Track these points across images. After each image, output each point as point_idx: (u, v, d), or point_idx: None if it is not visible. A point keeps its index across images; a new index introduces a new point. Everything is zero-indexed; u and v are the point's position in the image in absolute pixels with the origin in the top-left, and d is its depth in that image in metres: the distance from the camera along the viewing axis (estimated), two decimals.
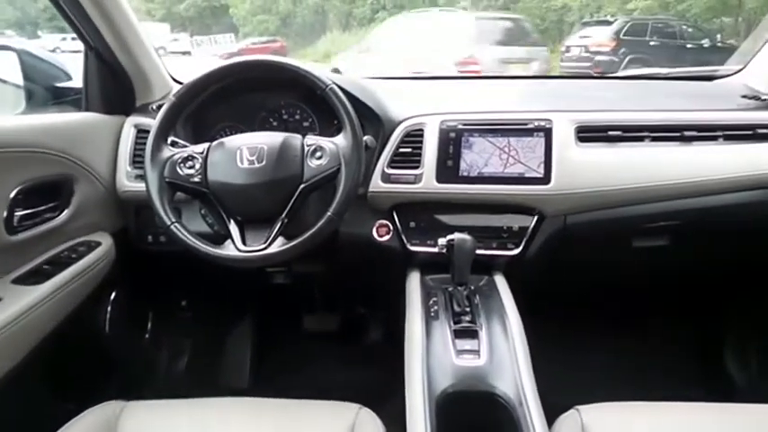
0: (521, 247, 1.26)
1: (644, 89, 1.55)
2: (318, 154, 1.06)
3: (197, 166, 1.07)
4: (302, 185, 1.05)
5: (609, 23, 10.43)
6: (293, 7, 18.62)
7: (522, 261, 1.27)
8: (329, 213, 1.03)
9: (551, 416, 0.96)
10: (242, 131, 1.18)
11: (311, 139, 1.09)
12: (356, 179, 1.06)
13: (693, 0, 12.07)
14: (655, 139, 1.26)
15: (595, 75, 6.20)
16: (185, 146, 1.12)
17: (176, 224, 1.05)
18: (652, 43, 9.92)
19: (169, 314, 1.73)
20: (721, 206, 1.26)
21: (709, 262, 1.48)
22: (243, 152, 1.05)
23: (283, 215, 1.04)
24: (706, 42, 10.13)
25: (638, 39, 9.87)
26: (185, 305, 1.77)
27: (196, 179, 1.06)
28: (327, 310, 1.89)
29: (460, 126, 1.25)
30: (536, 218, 1.26)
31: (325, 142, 1.07)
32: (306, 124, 1.36)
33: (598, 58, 9.52)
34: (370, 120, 1.26)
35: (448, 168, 1.24)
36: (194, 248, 1.04)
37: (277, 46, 15.77)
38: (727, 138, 1.26)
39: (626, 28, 9.93)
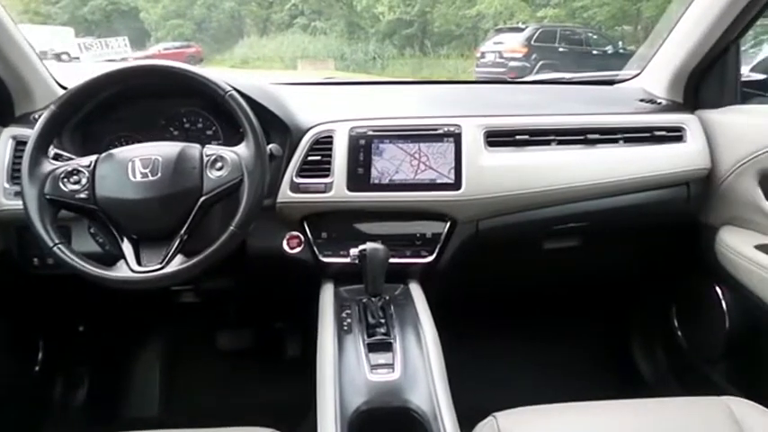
0: (434, 254, 1.25)
1: (550, 94, 1.59)
2: (219, 164, 1.00)
3: (83, 180, 0.98)
4: (202, 198, 0.98)
5: (521, 30, 10.86)
6: (208, 12, 18.04)
7: (437, 268, 1.26)
8: (232, 227, 0.97)
9: (469, 424, 0.95)
10: (139, 142, 1.09)
11: (211, 149, 1.02)
12: (260, 190, 1.00)
13: (597, 9, 12.82)
14: (560, 142, 1.28)
15: (503, 80, 6.42)
16: (71, 159, 1.02)
17: (59, 246, 0.95)
18: (561, 49, 10.43)
19: (64, 342, 1.58)
20: (625, 207, 1.31)
21: (617, 260, 1.54)
22: (135, 164, 0.97)
23: (182, 231, 0.97)
24: (609, 49, 10.76)
25: (548, 45, 10.34)
26: (83, 330, 1.63)
27: (82, 195, 0.97)
28: (241, 326, 1.80)
29: (370, 132, 1.22)
30: (448, 224, 1.25)
31: (227, 152, 1.01)
32: (209, 133, 1.28)
33: (511, 63, 9.87)
34: (276, 127, 1.21)
35: (359, 176, 1.21)
36: (82, 271, 0.95)
37: (192, 51, 15.21)
38: (627, 140, 1.30)
39: (536, 35, 10.37)
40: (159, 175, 0.96)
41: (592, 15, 12.83)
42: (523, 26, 11.28)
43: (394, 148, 1.22)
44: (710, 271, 1.35)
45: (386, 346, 1.03)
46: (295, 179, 1.21)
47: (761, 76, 1.40)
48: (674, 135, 1.32)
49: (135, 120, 1.23)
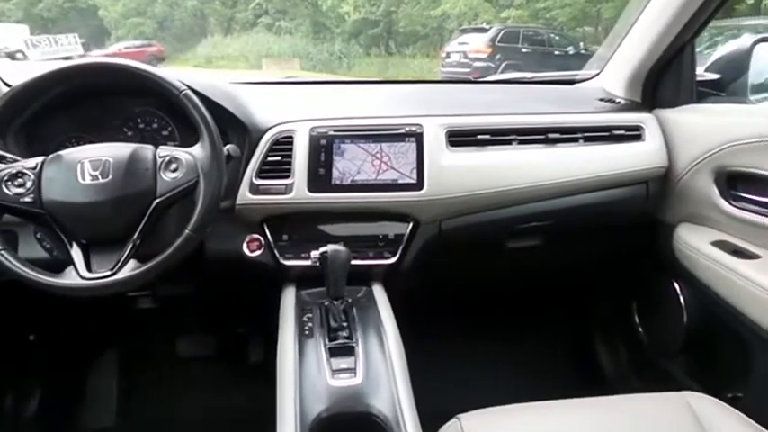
0: (397, 255, 1.24)
1: (511, 93, 1.59)
2: (173, 166, 0.96)
3: (28, 184, 0.93)
4: (156, 201, 0.94)
5: (485, 31, 10.99)
6: (170, 10, 17.71)
7: (400, 269, 1.24)
8: (187, 231, 0.94)
9: (434, 427, 0.93)
10: (91, 143, 1.04)
11: (165, 150, 0.98)
12: (217, 192, 0.97)
13: (559, 10, 13.08)
14: (522, 141, 1.28)
15: (465, 79, 6.47)
16: (15, 161, 0.97)
17: (2, 252, 0.90)
18: (524, 50, 10.59)
19: (12, 352, 1.51)
20: (586, 205, 1.32)
21: (579, 259, 1.55)
22: (84, 166, 0.92)
23: (135, 236, 0.93)
24: (571, 50, 10.99)
25: (511, 46, 10.48)
26: (34, 339, 1.56)
27: (27, 199, 0.92)
28: (202, 332, 1.76)
29: (331, 132, 1.20)
30: (411, 224, 1.24)
31: (181, 153, 0.97)
32: (165, 133, 1.24)
33: (476, 64, 9.97)
34: (234, 127, 1.17)
35: (320, 177, 1.19)
36: (27, 279, 0.90)
37: (154, 50, 14.89)
38: (587, 139, 1.31)
39: (500, 35, 10.51)
40: (110, 177, 0.92)
41: (554, 16, 13.09)
42: (488, 27, 11.42)
43: (355, 148, 1.20)
44: (669, 267, 1.37)
45: (348, 351, 1.01)
46: (254, 180, 1.18)
47: (715, 76, 1.42)
48: (633, 134, 1.34)
49: (86, 120, 1.18)
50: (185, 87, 0.98)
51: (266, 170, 1.18)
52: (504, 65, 9.82)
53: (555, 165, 1.28)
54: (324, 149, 1.19)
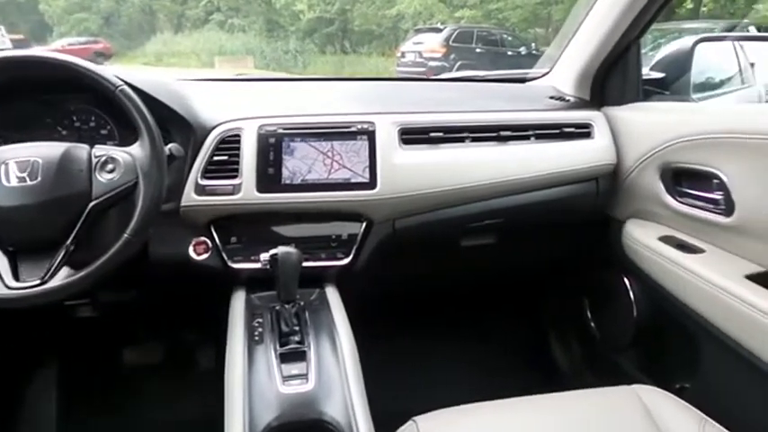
0: (351, 256, 1.21)
1: (464, 91, 1.59)
2: (110, 166, 0.91)
3: None
4: (91, 204, 0.89)
5: (439, 31, 11.08)
6: (116, 5, 17.11)
7: (354, 270, 1.22)
8: (126, 235, 0.89)
9: (389, 430, 0.92)
10: (21, 142, 0.97)
11: (101, 150, 0.93)
12: (157, 193, 0.92)
13: (511, 11, 13.34)
14: (474, 139, 1.28)
15: (418, 77, 6.49)
16: None
17: None
18: (478, 50, 10.74)
19: None
20: (538, 203, 1.33)
21: (532, 256, 1.57)
22: (9, 167, 0.86)
23: (68, 241, 0.87)
24: (523, 50, 11.21)
25: (465, 46, 10.61)
26: None
27: None
28: (149, 340, 1.69)
29: (280, 131, 1.17)
30: (364, 224, 1.22)
31: (119, 153, 0.92)
32: (104, 132, 1.17)
33: (431, 63, 10.05)
34: (178, 125, 1.12)
35: (269, 176, 1.15)
36: None
37: (99, 47, 14.35)
38: (538, 137, 1.32)
39: (454, 35, 10.62)
40: (39, 179, 0.86)
41: (506, 17, 13.34)
42: (442, 27, 11.53)
43: (306, 146, 1.17)
44: (619, 263, 1.39)
45: (299, 356, 0.98)
46: (200, 181, 1.13)
47: (660, 75, 1.46)
48: (582, 131, 1.35)
49: (14, 118, 1.10)
50: (122, 83, 0.93)
51: (212, 170, 1.14)
52: (458, 64, 9.92)
53: (507, 162, 1.28)
54: (273, 148, 1.16)
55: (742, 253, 1.12)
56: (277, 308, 1.08)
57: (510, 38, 11.93)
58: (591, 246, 1.52)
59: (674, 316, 1.21)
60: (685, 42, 1.43)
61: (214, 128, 1.16)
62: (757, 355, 0.98)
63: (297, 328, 1.04)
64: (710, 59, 1.58)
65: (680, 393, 1.17)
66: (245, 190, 1.14)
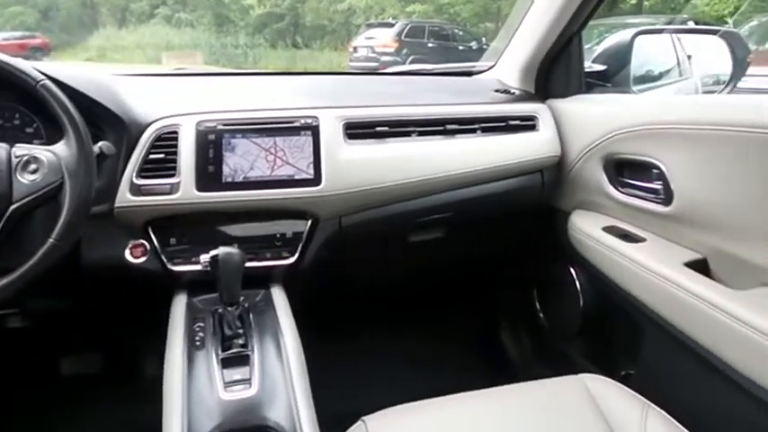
0: (297, 255, 1.18)
1: (410, 85, 1.58)
2: (33, 167, 0.85)
3: None
4: (12, 207, 0.83)
5: (391, 26, 11.10)
6: None
7: (300, 269, 1.19)
8: (51, 239, 0.84)
9: (340, 431, 0.90)
10: None
11: (22, 149, 0.87)
12: (85, 194, 0.87)
13: (462, 6, 13.48)
14: (421, 133, 1.27)
15: (363, 71, 6.48)
16: None
17: None
18: (430, 45, 10.80)
19: None
20: (485, 196, 1.33)
21: (481, 249, 1.57)
22: None
23: None
24: (474, 45, 11.34)
25: (417, 40, 10.66)
26: None
27: None
28: (89, 349, 1.61)
29: (220, 126, 1.12)
30: (310, 222, 1.19)
31: (42, 152, 0.87)
32: (29, 131, 1.10)
33: (384, 58, 10.05)
34: (109, 122, 1.06)
35: (209, 174, 1.10)
36: None
37: (37, 42, 13.66)
38: (484, 130, 1.32)
39: (406, 30, 10.66)
40: None
41: (457, 12, 13.47)
42: (394, 21, 11.55)
43: (247, 142, 1.13)
44: (565, 254, 1.41)
45: (242, 360, 0.94)
46: (135, 180, 1.08)
47: (601, 68, 1.48)
48: (528, 124, 1.36)
49: None
50: (43, 77, 0.87)
51: (149, 169, 1.09)
52: (411, 59, 9.96)
53: (454, 156, 1.28)
54: (213, 145, 1.11)
55: (681, 241, 1.15)
56: (220, 311, 1.04)
57: (461, 33, 12.06)
58: (538, 237, 1.54)
59: (619, 304, 1.23)
60: (625, 35, 1.46)
61: (150, 124, 1.10)
62: (695, 340, 1.01)
63: (240, 332, 1.00)
64: (650, 52, 1.62)
65: (625, 380, 1.20)
66: (184, 189, 1.09)
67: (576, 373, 1.03)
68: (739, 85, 1.58)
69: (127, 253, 1.11)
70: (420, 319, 1.77)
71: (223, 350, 0.96)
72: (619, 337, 1.33)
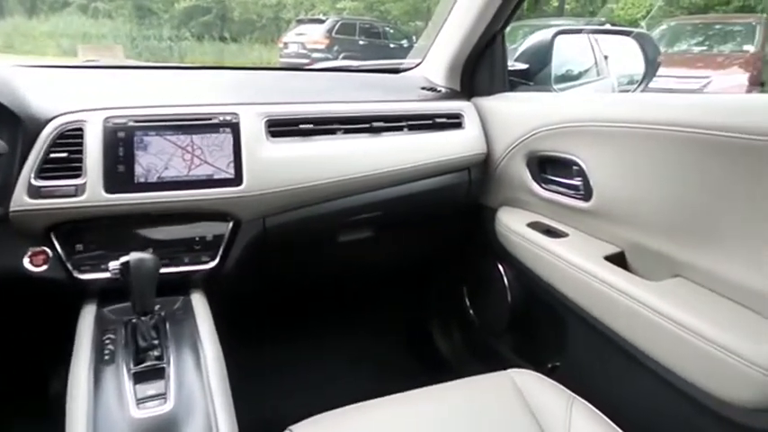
0: (218, 259, 1.12)
1: (336, 81, 1.55)
2: None
3: None
4: None
5: (322, 22, 11.00)
6: None
7: (223, 273, 1.13)
8: None
9: None
10: None
11: None
12: None
13: (392, 4, 13.56)
14: (347, 131, 1.24)
15: (287, 66, 6.38)
16: None
17: None
18: (361, 42, 10.80)
19: None
20: (413, 194, 1.32)
21: (412, 247, 1.57)
22: None
23: None
24: (405, 42, 11.44)
25: (348, 37, 10.63)
26: None
27: None
28: None
29: (131, 123, 1.05)
30: (231, 224, 1.13)
31: None
32: None
33: (315, 54, 9.95)
34: (2, 117, 0.97)
35: (119, 175, 1.03)
36: None
37: None
38: (411, 127, 1.31)
39: (337, 27, 10.60)
40: None
41: (388, 9, 13.55)
42: (324, 18, 11.44)
43: (162, 140, 1.06)
44: (493, 250, 1.43)
45: (157, 373, 0.88)
46: (34, 182, 0.98)
47: (524, 66, 1.51)
48: (454, 122, 1.37)
49: None
50: None
51: (50, 169, 1.00)
52: (342, 56, 9.92)
53: (381, 154, 1.26)
54: (123, 143, 1.04)
55: (601, 235, 1.18)
56: (133, 321, 0.97)
57: (392, 30, 12.13)
58: (467, 234, 1.55)
59: (544, 299, 1.25)
60: (545, 34, 1.49)
61: (50, 120, 1.01)
62: (616, 331, 1.04)
63: (156, 343, 0.94)
64: (569, 52, 1.67)
65: (552, 372, 1.23)
66: (91, 190, 1.01)
67: (506, 367, 1.04)
68: (654, 84, 1.66)
69: (26, 261, 1.02)
70: (352, 319, 1.75)
71: (136, 363, 0.90)
72: (545, 330, 1.36)
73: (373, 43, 10.97)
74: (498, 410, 0.95)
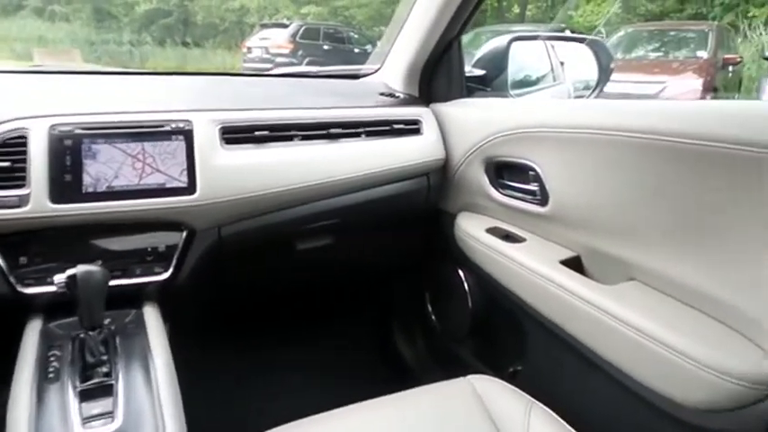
0: (171, 269, 1.09)
1: (293, 87, 1.52)
2: None
3: None
4: None
5: (286, 26, 10.93)
6: None
7: (177, 284, 1.10)
8: None
9: None
10: None
11: None
12: None
13: (356, 9, 13.59)
14: (304, 137, 1.22)
15: (243, 72, 6.31)
16: None
17: None
18: (325, 47, 10.77)
19: None
20: (372, 200, 1.31)
21: (373, 254, 1.56)
22: None
23: None
24: (369, 47, 11.46)
25: (313, 42, 10.59)
26: None
27: None
28: None
29: (78, 131, 1.01)
30: (185, 233, 1.10)
31: None
32: None
33: (279, 59, 9.88)
34: None
35: (66, 184, 0.99)
36: None
37: None
38: (369, 134, 1.30)
39: (301, 32, 10.55)
40: None
41: (352, 14, 13.57)
42: (288, 22, 11.38)
43: (111, 149, 1.03)
44: (453, 256, 1.43)
45: (105, 391, 0.84)
46: None
47: (481, 72, 1.52)
48: (412, 128, 1.37)
49: None
50: None
51: None
52: (306, 61, 9.87)
53: (339, 161, 1.25)
54: (70, 151, 1.00)
55: (558, 240, 1.20)
56: (81, 336, 0.93)
57: (356, 36, 12.14)
58: (428, 240, 1.55)
59: (504, 304, 1.26)
60: (501, 41, 1.51)
61: None
62: (573, 335, 1.05)
63: (104, 358, 0.90)
64: (526, 58, 1.70)
65: (513, 376, 1.23)
66: (36, 201, 0.97)
67: (468, 373, 1.04)
68: (612, 89, 1.69)
69: None
70: (315, 328, 1.73)
71: (82, 381, 0.86)
72: (506, 335, 1.37)
73: (338, 48, 10.96)
74: (458, 417, 0.95)
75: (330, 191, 1.24)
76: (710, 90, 7.05)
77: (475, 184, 1.35)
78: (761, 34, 10.10)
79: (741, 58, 8.40)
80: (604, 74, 1.62)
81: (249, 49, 10.84)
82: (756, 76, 8.67)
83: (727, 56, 7.79)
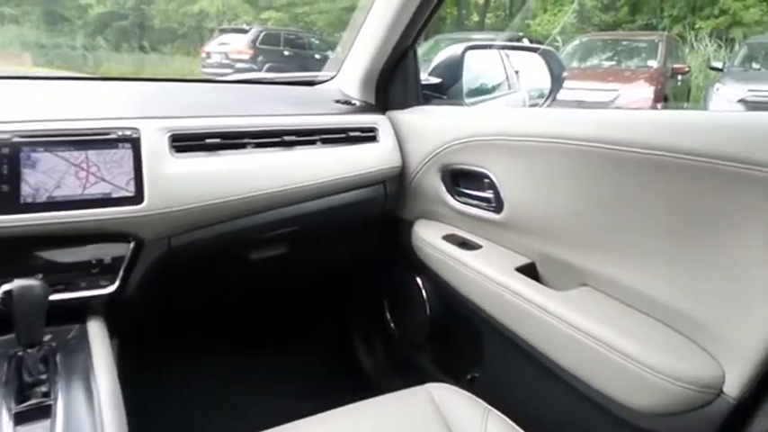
0: (117, 282, 1.04)
1: (247, 94, 1.50)
2: None
3: None
4: None
5: (245, 32, 10.83)
6: None
7: (124, 297, 1.06)
8: None
9: None
10: None
11: None
12: None
13: (317, 15, 13.57)
14: (257, 145, 1.20)
15: (195, 78, 6.23)
16: None
17: None
18: (286, 53, 10.71)
19: None
20: (329, 208, 1.29)
21: (330, 262, 1.54)
22: None
23: None
24: (330, 53, 11.43)
25: (273, 48, 10.52)
26: None
27: None
28: None
29: (16, 139, 0.96)
30: (133, 244, 1.06)
31: None
32: None
33: (239, 65, 9.78)
34: None
35: (2, 195, 0.94)
36: None
37: None
38: (324, 141, 1.29)
39: (261, 37, 10.47)
40: None
41: (313, 20, 13.55)
42: (248, 28, 11.28)
43: (52, 157, 0.98)
44: (411, 263, 1.43)
45: (43, 412, 0.80)
46: None
47: (437, 80, 1.53)
48: (368, 135, 1.36)
49: None
50: None
51: None
52: (266, 67, 9.79)
53: (293, 168, 1.22)
54: (7, 160, 0.95)
55: (513, 247, 1.21)
56: (19, 354, 0.88)
57: (317, 41, 12.12)
58: (385, 248, 1.55)
59: (461, 311, 1.26)
60: (456, 49, 1.52)
61: None
62: (528, 342, 1.06)
63: (43, 377, 0.86)
64: (481, 67, 1.71)
65: (471, 383, 1.24)
66: None
67: (426, 381, 1.04)
68: (568, 97, 1.72)
69: None
70: (273, 337, 1.70)
71: (19, 402, 0.82)
72: (463, 342, 1.37)
73: (298, 54, 10.91)
74: (416, 427, 0.95)
75: (284, 199, 1.21)
76: (661, 99, 7.32)
77: (431, 192, 1.35)
78: (707, 45, 10.57)
79: (689, 67, 8.75)
80: (557, 83, 1.65)
81: (208, 54, 10.69)
82: (704, 86, 9.06)
83: (676, 65, 8.11)
